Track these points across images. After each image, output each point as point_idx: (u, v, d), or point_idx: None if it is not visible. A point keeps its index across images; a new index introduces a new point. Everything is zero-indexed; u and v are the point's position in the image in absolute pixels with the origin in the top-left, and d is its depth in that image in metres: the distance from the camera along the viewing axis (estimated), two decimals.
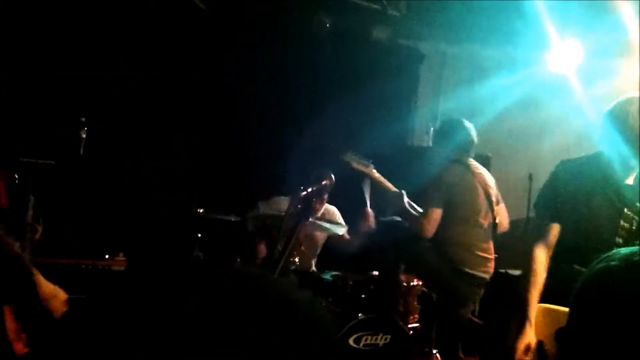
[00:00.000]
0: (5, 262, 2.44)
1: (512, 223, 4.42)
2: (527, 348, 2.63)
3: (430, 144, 6.11)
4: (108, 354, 0.93)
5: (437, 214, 3.90)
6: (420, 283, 4.09)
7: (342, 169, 4.15)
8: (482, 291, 4.10)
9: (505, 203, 4.27)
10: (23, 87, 4.61)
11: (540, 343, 2.74)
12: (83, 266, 4.19)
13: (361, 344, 3.73)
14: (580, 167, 2.87)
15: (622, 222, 2.72)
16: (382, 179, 4.11)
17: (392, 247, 4.15)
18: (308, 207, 3.54)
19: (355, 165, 4.05)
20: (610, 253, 1.11)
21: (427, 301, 4.17)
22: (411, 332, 3.93)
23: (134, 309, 0.94)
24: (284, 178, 4.65)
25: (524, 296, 2.76)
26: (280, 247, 3.60)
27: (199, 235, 4.42)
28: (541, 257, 2.82)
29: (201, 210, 4.38)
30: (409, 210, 4.01)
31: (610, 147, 2.77)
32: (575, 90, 5.21)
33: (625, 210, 2.73)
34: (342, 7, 5.72)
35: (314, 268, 4.77)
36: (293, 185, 3.92)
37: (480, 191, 4.05)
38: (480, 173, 4.12)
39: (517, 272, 4.53)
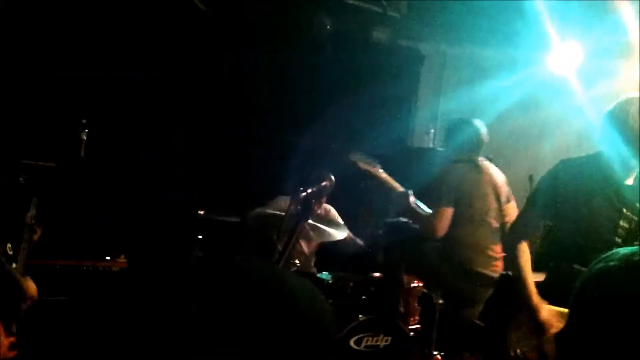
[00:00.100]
0: None
1: None
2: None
3: (431, 145, 6.12)
4: (108, 353, 0.93)
5: (448, 213, 3.86)
6: (421, 284, 4.08)
7: (342, 169, 4.15)
8: (490, 291, 4.05)
9: None
10: (23, 88, 4.62)
11: (540, 343, 2.75)
12: (84, 267, 4.20)
13: (362, 346, 3.73)
14: (580, 167, 2.88)
15: (621, 222, 2.73)
16: (388, 178, 4.09)
17: (398, 248, 4.14)
18: (308, 208, 3.54)
19: (361, 165, 4.04)
20: (609, 253, 1.11)
21: (427, 302, 4.15)
22: (412, 333, 3.92)
23: (135, 309, 0.94)
24: (284, 178, 4.65)
25: (524, 280, 2.87)
26: (280, 247, 3.60)
27: (200, 236, 4.42)
28: (528, 253, 2.96)
29: (202, 212, 4.38)
30: (415, 210, 3.99)
31: (610, 147, 2.77)
32: (576, 91, 5.21)
33: (625, 210, 2.74)
34: (342, 8, 5.73)
35: (313, 269, 4.77)
36: (293, 185, 3.92)
37: (490, 191, 4.01)
38: (490, 172, 4.09)
39: None
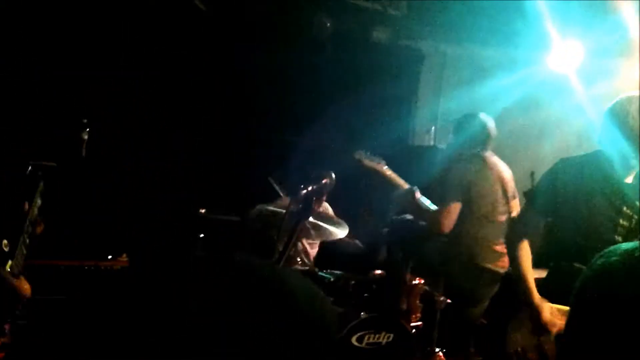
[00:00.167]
0: None
1: None
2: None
3: (432, 143, 6.12)
4: (109, 353, 0.93)
5: (455, 208, 3.83)
6: (423, 281, 4.07)
7: (342, 169, 4.15)
8: (496, 288, 4.02)
9: None
10: (24, 88, 4.62)
11: (540, 343, 2.75)
12: (86, 267, 4.20)
13: (364, 343, 3.73)
14: (580, 166, 2.88)
15: (621, 221, 2.73)
16: (394, 175, 4.09)
17: (402, 245, 4.13)
18: (308, 207, 3.53)
19: (366, 162, 4.04)
20: (611, 248, 1.11)
21: (430, 300, 4.14)
22: (414, 330, 3.92)
23: (136, 309, 0.94)
24: (284, 178, 4.66)
25: (524, 278, 2.88)
26: (280, 247, 3.60)
27: (201, 235, 4.42)
28: (529, 251, 2.97)
29: (203, 211, 4.38)
30: (421, 206, 3.97)
31: (610, 146, 2.77)
32: (576, 91, 5.21)
33: (625, 208, 2.74)
34: (343, 8, 5.73)
35: (315, 268, 4.77)
36: (293, 185, 3.92)
37: (497, 186, 3.98)
38: (498, 168, 4.05)
39: None
